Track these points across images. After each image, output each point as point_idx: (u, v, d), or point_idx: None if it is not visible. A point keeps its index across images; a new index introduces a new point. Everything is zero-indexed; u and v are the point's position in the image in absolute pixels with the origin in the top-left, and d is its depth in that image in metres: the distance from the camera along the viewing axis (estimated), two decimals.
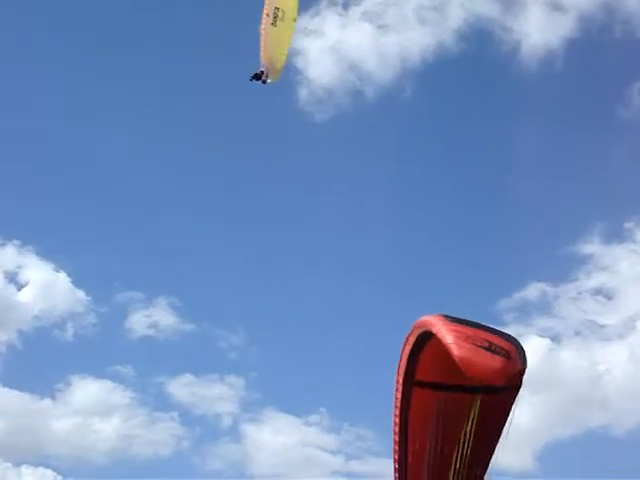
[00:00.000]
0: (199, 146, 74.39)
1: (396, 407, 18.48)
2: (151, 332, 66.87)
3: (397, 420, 18.60)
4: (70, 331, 65.73)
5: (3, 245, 66.08)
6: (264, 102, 72.64)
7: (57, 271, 66.89)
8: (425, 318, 17.17)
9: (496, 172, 74.34)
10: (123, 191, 74.98)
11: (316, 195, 76.04)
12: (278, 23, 32.37)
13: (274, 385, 67.01)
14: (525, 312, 66.51)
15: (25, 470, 59.83)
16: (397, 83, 71.57)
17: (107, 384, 64.98)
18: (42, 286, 66.77)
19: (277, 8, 32.37)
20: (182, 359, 67.32)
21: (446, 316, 16.64)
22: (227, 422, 64.10)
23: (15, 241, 65.89)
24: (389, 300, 70.57)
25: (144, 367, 65.29)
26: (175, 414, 63.68)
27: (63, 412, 63.96)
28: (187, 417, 63.82)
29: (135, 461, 62.66)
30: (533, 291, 65.91)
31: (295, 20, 33.10)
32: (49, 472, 59.29)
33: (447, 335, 16.13)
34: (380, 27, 72.11)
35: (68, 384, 64.08)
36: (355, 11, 71.61)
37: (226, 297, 71.41)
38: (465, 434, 17.47)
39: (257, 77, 34.60)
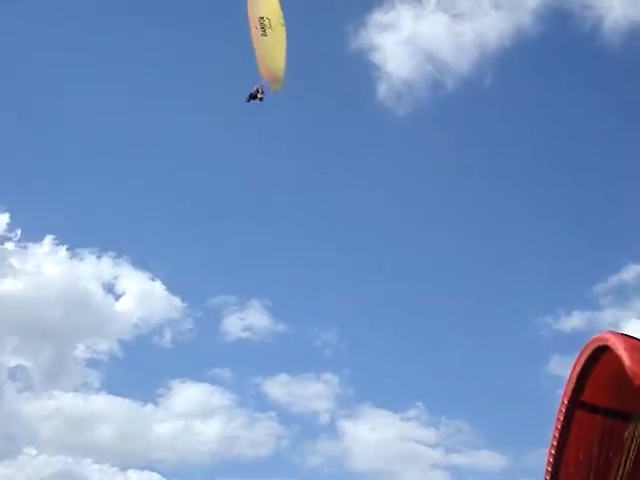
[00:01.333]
0: (282, 144, 75.52)
1: (556, 428, 18.46)
2: (246, 334, 68.44)
3: (555, 441, 18.56)
4: (168, 337, 67.55)
5: (100, 257, 68.04)
6: (343, 101, 73.27)
7: (152, 279, 68.83)
8: (601, 334, 17.14)
9: (587, 153, 73.37)
10: (212, 198, 76.75)
11: (404, 191, 76.35)
12: (267, 32, 31.80)
13: (369, 381, 67.85)
14: (623, 295, 65.40)
15: (132, 474, 61.97)
16: (476, 71, 71.04)
17: (206, 387, 66.82)
18: (139, 295, 68.77)
19: (262, 17, 31.85)
20: (277, 359, 68.75)
21: (623, 333, 16.55)
22: (324, 419, 65.16)
23: (110, 253, 67.95)
24: (480, 294, 70.43)
25: (241, 369, 66.93)
26: (273, 414, 65.11)
27: (165, 416, 65.80)
28: (285, 416, 65.06)
29: (237, 461, 64.24)
30: (630, 273, 64.73)
31: (284, 25, 32.17)
32: (155, 475, 61.27)
33: (621, 346, 16.04)
34: (455, 16, 71.71)
35: (169, 389, 65.83)
36: (429, 2, 71.36)
37: (317, 296, 72.41)
38: (620, 465, 17.29)
39: (253, 97, 34.21)
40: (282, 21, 32.03)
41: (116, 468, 62.53)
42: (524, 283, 70.05)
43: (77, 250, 68.09)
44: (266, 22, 31.69)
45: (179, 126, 75.42)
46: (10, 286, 63.96)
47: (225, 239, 77.04)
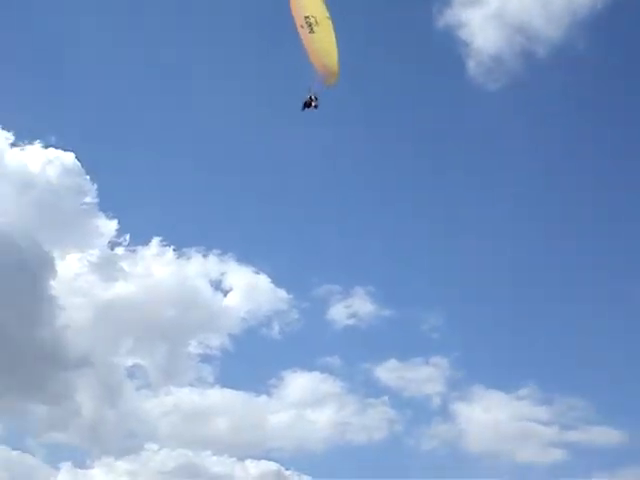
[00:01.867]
0: (378, 132, 75.54)
1: None
2: (352, 321, 68.96)
3: None
4: (276, 329, 68.90)
5: (205, 255, 69.91)
6: (434, 80, 72.57)
7: (257, 273, 70.46)
8: None
9: None
10: (308, 191, 77.57)
11: (503, 169, 75.07)
12: (315, 29, 32.07)
13: (479, 362, 67.18)
14: None
15: (250, 464, 63.13)
16: (568, 38, 69.01)
17: (317, 376, 67.68)
18: (245, 289, 70.45)
19: (307, 17, 32.12)
20: (385, 345, 68.99)
21: None
22: (436, 402, 65.02)
23: (215, 250, 69.81)
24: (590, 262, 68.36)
25: (350, 356, 67.52)
26: (385, 398, 65.01)
27: (279, 406, 67.14)
28: (397, 400, 65.27)
29: (351, 447, 64.51)
30: None
31: (329, 18, 32.35)
32: (272, 464, 62.22)
33: None
34: None
35: (281, 379, 67.08)
36: None
37: (420, 279, 72.23)
38: None
39: (307, 105, 34.61)
40: (327, 14, 32.33)
41: (234, 459, 64.00)
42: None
43: (184, 250, 70.52)
44: (312, 20, 32.10)
45: (274, 125, 76.32)
46: (122, 289, 66.43)
47: (324, 230, 77.55)
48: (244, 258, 70.99)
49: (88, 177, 68.16)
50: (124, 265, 67.96)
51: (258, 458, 64.07)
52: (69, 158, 67.64)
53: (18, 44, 78.20)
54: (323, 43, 32.31)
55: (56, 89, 78.80)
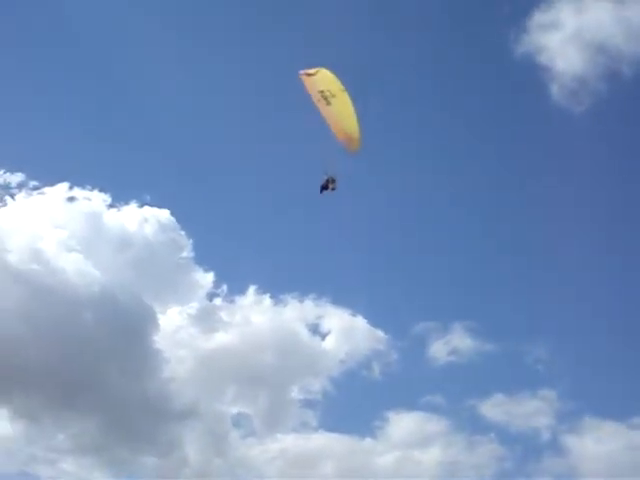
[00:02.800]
0: (459, 160, 75.35)
1: None
2: (453, 358, 68.27)
3: None
4: (376, 370, 68.73)
5: (301, 300, 70.69)
6: (518, 108, 72.12)
7: (353, 315, 70.49)
8: None
9: None
10: (395, 231, 77.73)
11: (597, 192, 73.64)
12: (331, 101, 32.60)
13: (588, 392, 65.48)
14: None
15: None
16: None
17: (421, 415, 66.97)
18: (343, 332, 70.70)
19: (321, 91, 32.71)
20: (489, 380, 67.97)
21: None
22: (546, 436, 63.25)
23: (311, 295, 70.35)
24: None
25: (453, 393, 66.70)
26: (492, 435, 63.76)
27: (384, 448, 66.67)
28: (505, 436, 63.88)
29: None
30: None
31: (344, 90, 32.89)
32: None
33: None
34: (618, 1, 68.69)
35: (384, 420, 66.66)
36: None
37: (520, 310, 70.94)
38: None
39: (325, 187, 35.09)
40: (341, 87, 33.07)
41: None
42: None
43: (280, 296, 71.33)
44: (327, 93, 32.86)
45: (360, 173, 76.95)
46: (223, 339, 67.59)
47: (417, 268, 77.34)
48: (339, 301, 71.34)
49: (183, 232, 70.14)
50: (223, 315, 69.31)
51: None
52: (164, 215, 69.84)
53: (108, 114, 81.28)
54: (342, 112, 33.01)
55: (149, 152, 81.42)
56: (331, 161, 35.22)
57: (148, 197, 72.31)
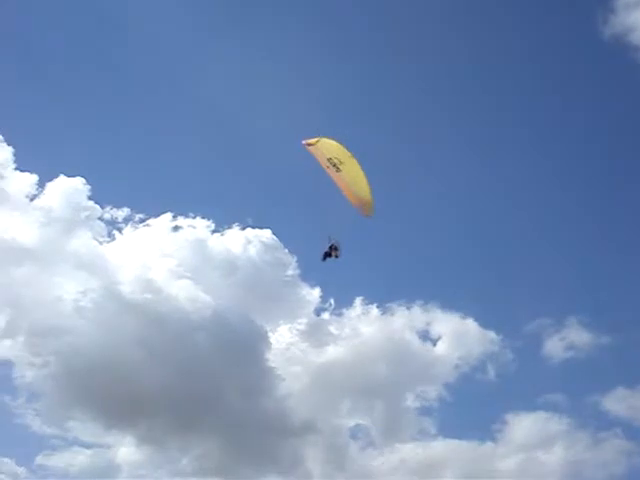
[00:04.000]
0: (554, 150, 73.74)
1: None
2: (570, 354, 66.61)
3: None
4: (491, 372, 67.83)
5: (409, 307, 70.46)
6: (612, 92, 70.08)
7: (463, 318, 69.82)
8: None
9: None
10: (494, 226, 76.57)
11: None
12: (341, 167, 33.29)
13: None
14: None
15: None
16: None
17: (541, 415, 65.67)
18: (454, 336, 70.15)
19: (329, 158, 33.39)
20: (609, 373, 65.85)
21: None
22: None
23: (418, 301, 70.09)
24: None
25: (573, 390, 65.29)
26: (618, 430, 61.73)
27: (506, 451, 65.69)
28: (631, 431, 61.59)
29: None
30: None
31: (351, 156, 33.40)
32: None
33: None
34: None
35: (504, 423, 65.51)
36: None
37: (636, 300, 68.60)
38: None
39: (328, 255, 35.73)
40: (349, 153, 33.57)
41: None
42: None
43: (387, 305, 71.31)
44: (335, 160, 33.56)
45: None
46: (334, 352, 67.96)
47: (523, 263, 76.09)
48: (448, 305, 70.85)
49: (287, 250, 70.97)
50: (332, 329, 69.73)
51: None
52: (266, 235, 70.89)
53: (203, 143, 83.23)
54: (352, 177, 33.65)
55: (246, 176, 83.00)
56: (336, 227, 36.43)
57: (249, 219, 73.60)
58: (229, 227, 71.17)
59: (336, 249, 35.89)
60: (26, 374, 63.64)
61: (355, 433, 67.00)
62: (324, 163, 34.10)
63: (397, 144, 78.19)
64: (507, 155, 77.96)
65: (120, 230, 70.21)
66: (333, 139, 34.57)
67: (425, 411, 67.92)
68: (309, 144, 34.21)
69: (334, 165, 33.82)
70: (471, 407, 68.69)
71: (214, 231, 70.47)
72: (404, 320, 71.17)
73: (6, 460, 66.02)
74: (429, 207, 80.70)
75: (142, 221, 70.90)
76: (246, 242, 70.11)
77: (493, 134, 79.32)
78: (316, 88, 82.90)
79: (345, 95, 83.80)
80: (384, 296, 72.65)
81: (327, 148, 34.19)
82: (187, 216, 70.56)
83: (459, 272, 77.11)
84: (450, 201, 79.59)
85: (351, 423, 67.16)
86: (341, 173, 33.75)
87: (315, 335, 68.88)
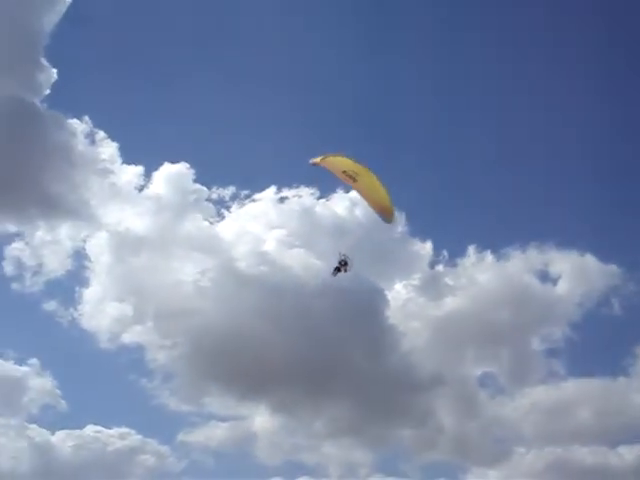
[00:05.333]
0: None
1: None
2: None
3: None
4: (616, 306, 66.40)
5: (524, 250, 69.90)
6: None
7: (582, 255, 68.71)
8: None
9: None
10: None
11: None
12: (357, 178, 33.94)
13: None
14: None
15: (623, 450, 61.87)
16: None
17: None
18: (574, 274, 69.02)
19: (344, 171, 33.99)
20: None
21: None
22: None
23: (533, 243, 69.39)
24: None
25: None
26: None
27: None
28: None
29: None
30: None
31: (366, 168, 34.09)
32: None
33: None
34: None
35: (635, 356, 64.49)
36: None
37: None
38: None
39: (338, 269, 36.00)
40: (363, 166, 34.16)
41: (605, 447, 62.48)
42: None
43: (501, 251, 70.52)
44: (351, 173, 34.03)
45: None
46: (452, 304, 67.86)
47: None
48: (564, 243, 69.72)
49: (396, 207, 70.79)
50: (448, 280, 69.56)
51: (631, 442, 61.80)
52: None
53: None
54: (370, 186, 34.25)
55: (349, 141, 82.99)
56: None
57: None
58: (333, 192, 71.57)
59: (346, 264, 36.80)
60: (158, 356, 66.33)
61: (483, 381, 67.05)
62: (340, 176, 34.83)
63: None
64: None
65: (228, 208, 71.68)
66: (341, 155, 35.18)
67: (552, 353, 67.28)
68: (315, 163, 34.74)
69: (350, 177, 34.47)
70: (599, 344, 67.60)
71: (319, 197, 71.07)
72: (520, 263, 70.38)
73: (149, 440, 69.22)
74: (533, 145, 78.85)
75: (248, 197, 72.13)
76: (352, 205, 70.42)
77: None
78: None
79: None
80: (497, 241, 71.98)
81: (339, 162, 34.87)
82: (291, 187, 71.37)
83: (572, 208, 75.46)
84: (553, 135, 77.45)
85: (478, 372, 67.23)
86: (358, 183, 34.56)
87: (431, 289, 68.95)
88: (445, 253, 70.42)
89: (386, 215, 35.09)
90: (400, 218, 70.81)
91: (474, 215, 75.79)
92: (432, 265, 70.51)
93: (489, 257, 70.58)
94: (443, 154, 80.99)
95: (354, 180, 34.54)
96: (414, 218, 71.21)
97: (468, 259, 70.81)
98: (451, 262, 70.62)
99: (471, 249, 70.60)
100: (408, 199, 72.84)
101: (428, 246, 70.84)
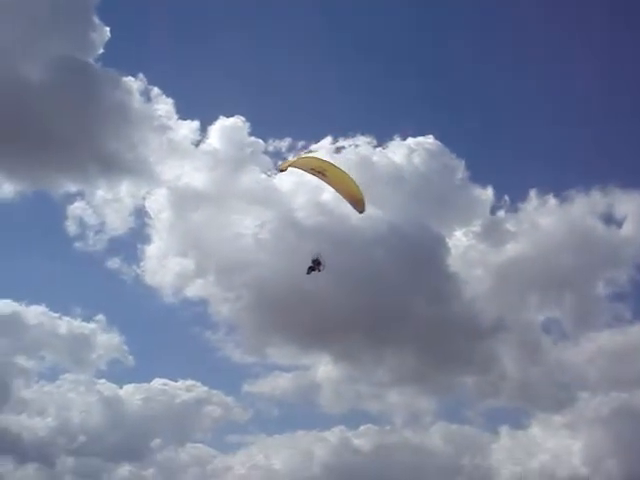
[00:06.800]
0: None
1: None
2: None
3: None
4: None
5: (587, 193, 68.53)
6: None
7: None
8: None
9: None
10: None
11: None
12: (326, 173, 34.49)
13: None
14: None
15: None
16: None
17: None
18: (639, 215, 67.03)
19: (312, 169, 34.63)
20: None
21: None
22: None
23: (596, 185, 68.18)
24: None
25: None
26: None
27: None
28: None
29: None
30: None
31: (331, 163, 34.87)
32: None
33: None
34: None
35: None
36: None
37: None
38: None
39: (312, 269, 36.73)
40: (328, 162, 34.95)
41: None
42: None
43: (563, 194, 69.40)
44: (318, 169, 34.76)
45: None
46: (514, 250, 66.99)
47: None
48: (628, 184, 68.18)
49: (454, 155, 69.91)
50: (509, 226, 68.64)
51: None
52: (429, 142, 69.99)
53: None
54: (339, 179, 34.87)
55: (400, 86, 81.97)
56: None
57: (410, 130, 72.92)
58: (390, 139, 70.79)
59: (319, 263, 37.41)
60: (221, 309, 67.18)
61: (547, 326, 66.42)
62: (310, 172, 35.58)
63: None
64: None
65: (284, 160, 71.46)
66: (305, 155, 36.80)
67: (617, 296, 66.24)
68: (282, 169, 35.95)
69: (319, 172, 35.17)
70: None
71: (376, 146, 70.35)
72: (584, 206, 69.18)
73: (215, 392, 70.50)
74: (594, 86, 76.76)
75: (304, 148, 71.77)
76: (409, 152, 69.63)
77: None
78: None
79: None
80: (560, 184, 70.64)
81: (306, 162, 35.92)
82: (347, 136, 70.77)
83: (636, 149, 73.42)
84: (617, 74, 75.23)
85: (541, 317, 66.59)
86: (328, 177, 35.28)
87: (492, 235, 68.13)
88: (506, 198, 69.46)
89: (358, 204, 35.77)
90: (460, 164, 69.93)
91: (535, 159, 74.43)
92: (493, 211, 69.66)
93: (551, 201, 69.44)
94: (502, 97, 79.42)
95: (324, 175, 35.23)
96: (474, 164, 70.27)
97: (530, 204, 69.76)
98: (512, 207, 69.61)
99: (533, 193, 69.52)
100: (468, 145, 71.75)
101: (489, 192, 69.93)
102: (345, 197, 35.90)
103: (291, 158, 37.58)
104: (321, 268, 37.51)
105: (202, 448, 70.07)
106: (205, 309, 68.46)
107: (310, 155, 37.12)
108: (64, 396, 71.10)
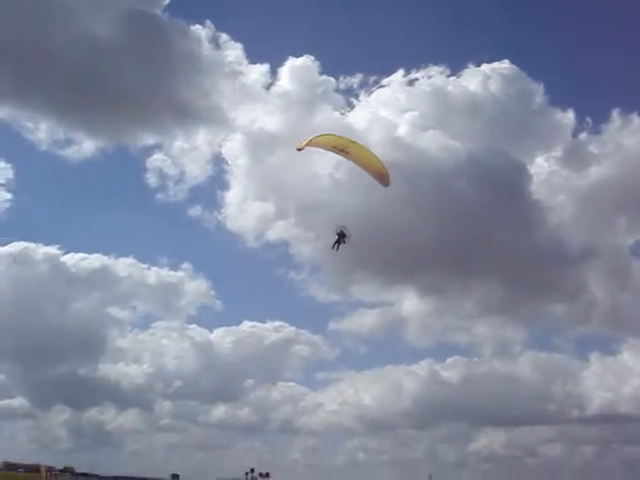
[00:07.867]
0: None
1: None
2: None
3: None
4: None
5: None
6: None
7: None
8: None
9: None
10: None
11: None
12: (348, 150, 35.85)
13: None
14: None
15: None
16: None
17: None
18: None
19: (334, 146, 35.94)
20: None
21: None
22: None
23: None
24: None
25: None
26: None
27: None
28: None
29: None
30: None
31: (352, 141, 35.96)
32: None
33: None
34: None
35: None
36: None
37: None
38: None
39: (337, 242, 38.08)
40: (349, 140, 36.10)
41: None
42: None
43: None
44: (340, 146, 36.19)
45: None
46: (598, 173, 65.99)
47: None
48: None
49: (531, 78, 68.18)
50: (592, 149, 67.04)
51: None
52: (505, 67, 68.30)
53: None
54: (362, 155, 36.41)
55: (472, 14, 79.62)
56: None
57: (484, 55, 71.12)
58: (464, 67, 69.33)
59: (344, 235, 37.22)
60: (303, 249, 67.85)
61: (636, 250, 65.12)
62: (332, 150, 36.96)
63: None
64: None
65: (357, 97, 71.28)
66: (325, 134, 37.05)
67: None
68: (300, 148, 36.57)
69: (342, 150, 36.62)
70: None
71: (449, 75, 69.04)
72: None
73: (302, 331, 71.56)
74: None
75: (376, 83, 71.23)
76: (485, 79, 68.11)
77: None
78: None
79: None
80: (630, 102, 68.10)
81: (326, 140, 36.64)
82: (419, 67, 69.78)
83: None
84: None
85: (630, 241, 65.37)
86: (350, 155, 36.59)
87: (575, 159, 66.89)
88: (588, 120, 67.70)
89: (383, 179, 37.05)
90: (538, 88, 68.06)
91: (616, 77, 71.99)
92: (575, 134, 68.09)
93: (636, 120, 67.30)
94: (579, 15, 76.68)
95: (346, 152, 36.50)
96: (553, 86, 68.40)
97: (613, 124, 67.96)
98: (595, 129, 67.79)
99: (615, 113, 67.50)
100: (547, 66, 69.66)
101: (570, 114, 68.24)
102: (370, 172, 37.19)
103: (310, 139, 36.65)
104: (346, 240, 37.85)
105: (293, 386, 71.61)
106: (287, 250, 69.39)
107: (329, 133, 37.35)
108: (157, 343, 73.36)
